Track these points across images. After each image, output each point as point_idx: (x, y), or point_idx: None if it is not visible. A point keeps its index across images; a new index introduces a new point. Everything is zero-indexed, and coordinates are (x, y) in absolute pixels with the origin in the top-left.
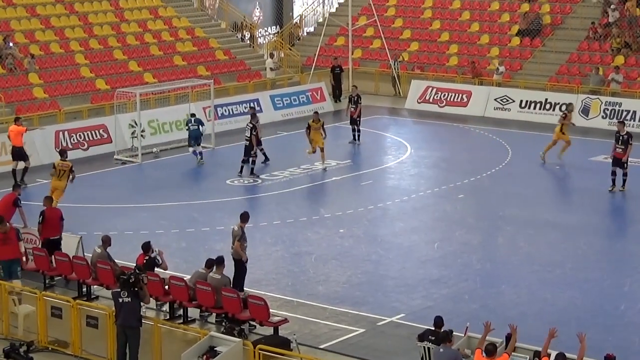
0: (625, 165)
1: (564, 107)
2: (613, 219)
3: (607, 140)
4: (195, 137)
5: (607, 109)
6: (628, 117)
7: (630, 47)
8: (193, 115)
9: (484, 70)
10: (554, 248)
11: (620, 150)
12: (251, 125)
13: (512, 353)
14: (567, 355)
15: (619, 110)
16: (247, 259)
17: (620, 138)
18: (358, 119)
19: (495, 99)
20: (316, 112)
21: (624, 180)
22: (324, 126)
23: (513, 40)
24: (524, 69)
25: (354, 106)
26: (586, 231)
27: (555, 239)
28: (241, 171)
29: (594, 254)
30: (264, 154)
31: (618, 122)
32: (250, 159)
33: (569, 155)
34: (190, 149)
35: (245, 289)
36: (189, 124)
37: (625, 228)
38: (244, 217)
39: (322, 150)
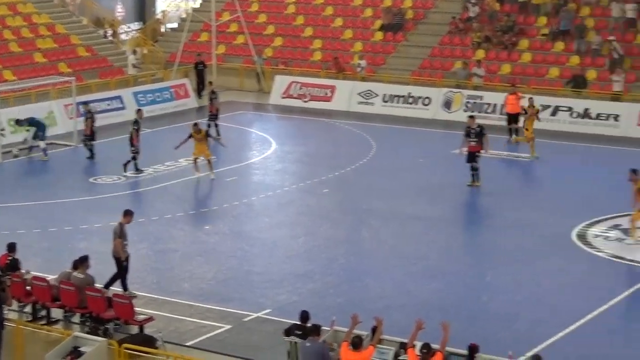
0: (477, 158)
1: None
2: (474, 211)
3: None
4: (37, 135)
5: (469, 102)
6: (489, 110)
7: (490, 41)
8: (19, 120)
9: (347, 65)
10: (418, 241)
11: (474, 143)
12: (133, 120)
13: (378, 345)
14: (432, 345)
15: (480, 103)
16: (127, 257)
17: (472, 132)
18: (214, 114)
19: (358, 94)
20: (195, 124)
21: (474, 175)
22: (212, 133)
23: (376, 34)
24: (387, 63)
25: (210, 102)
26: (449, 224)
27: (418, 231)
28: (126, 165)
29: (456, 246)
30: (90, 149)
31: (468, 116)
32: (132, 155)
33: (432, 148)
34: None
35: (110, 287)
36: (26, 128)
37: (486, 220)
38: (126, 214)
39: (209, 162)
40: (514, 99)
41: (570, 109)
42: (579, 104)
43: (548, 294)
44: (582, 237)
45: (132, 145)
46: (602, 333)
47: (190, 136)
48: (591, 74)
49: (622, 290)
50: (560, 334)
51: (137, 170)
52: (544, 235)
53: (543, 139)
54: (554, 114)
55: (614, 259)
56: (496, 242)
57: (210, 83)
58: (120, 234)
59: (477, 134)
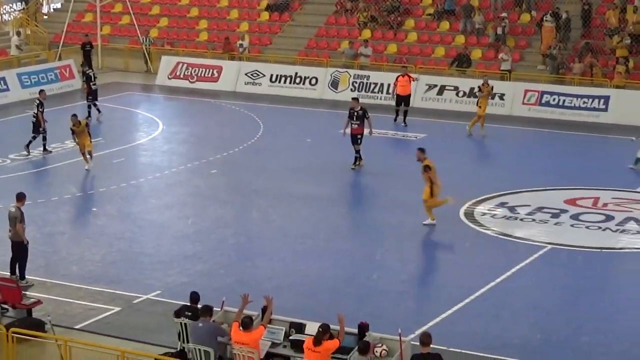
0: (360, 140)
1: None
2: (362, 191)
3: None
4: None
5: (356, 82)
6: (375, 90)
7: (376, 21)
8: None
9: (234, 45)
10: (306, 220)
11: (356, 125)
12: (37, 102)
13: (268, 325)
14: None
15: (367, 83)
16: (27, 241)
17: (355, 114)
18: (91, 95)
19: (245, 74)
20: (74, 115)
21: (356, 158)
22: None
23: (262, 15)
24: (274, 43)
25: (85, 84)
26: (337, 203)
27: (307, 211)
28: (28, 146)
29: (345, 225)
30: None
31: (352, 98)
32: (41, 136)
33: (319, 128)
34: None
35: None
36: None
37: (374, 200)
38: (20, 197)
39: (89, 153)
40: (404, 81)
41: (456, 88)
42: (465, 83)
43: (437, 272)
44: (469, 215)
45: (38, 126)
46: (490, 309)
47: (72, 130)
48: (476, 53)
49: (509, 267)
50: (449, 311)
51: (45, 150)
52: (433, 213)
53: (430, 118)
54: (440, 93)
55: (501, 236)
56: (384, 221)
57: (82, 65)
58: (21, 219)
59: (359, 117)
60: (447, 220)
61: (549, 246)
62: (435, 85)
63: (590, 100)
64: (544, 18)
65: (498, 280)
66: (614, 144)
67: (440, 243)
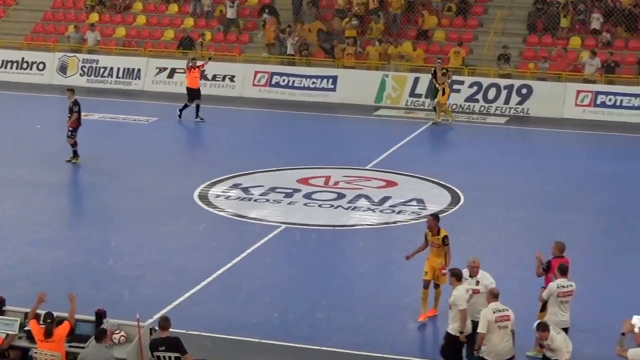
0: (71, 133)
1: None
2: (96, 176)
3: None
4: None
5: (85, 67)
6: (105, 74)
7: (103, 4)
8: None
9: None
10: (40, 209)
11: (68, 118)
12: None
13: (2, 317)
14: (58, 314)
15: (96, 67)
16: None
17: (69, 107)
18: None
19: None
20: None
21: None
22: None
23: None
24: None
25: None
26: (70, 190)
27: (40, 199)
28: None
29: (80, 212)
30: None
31: (67, 89)
32: None
33: (49, 114)
34: None
35: None
36: None
37: (108, 185)
38: None
39: None
40: (194, 73)
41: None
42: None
43: (173, 256)
44: (203, 197)
45: None
46: (227, 291)
47: None
48: (206, 36)
49: (244, 248)
50: (187, 295)
51: None
52: (167, 197)
53: (161, 101)
54: (170, 76)
55: (236, 218)
56: (119, 206)
57: None
58: None
59: (70, 110)
60: (182, 203)
61: (283, 226)
62: (166, 68)
63: (320, 80)
64: (264, 12)
65: (234, 261)
66: (344, 122)
67: (175, 227)
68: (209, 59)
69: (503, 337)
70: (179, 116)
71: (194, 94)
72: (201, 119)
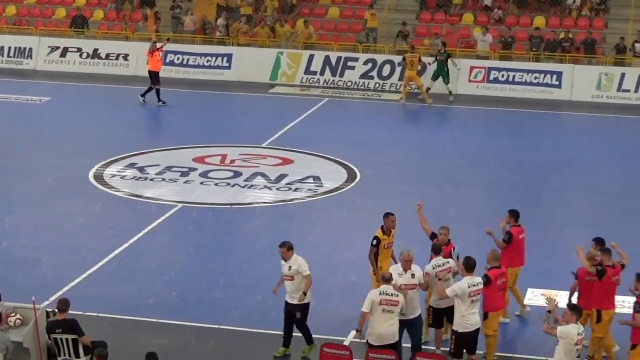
0: None
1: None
2: None
3: None
4: None
5: None
6: None
7: None
8: None
9: None
10: None
11: None
12: None
13: None
14: None
15: None
16: None
17: None
18: None
19: None
20: None
21: None
22: None
23: None
24: None
25: None
26: None
27: None
28: None
29: None
30: None
31: None
32: None
33: None
34: None
35: None
36: None
37: (2, 166)
38: None
39: None
40: (156, 56)
41: (79, 49)
42: (87, 45)
43: (69, 237)
44: (98, 177)
45: None
46: (124, 271)
47: None
48: (98, 14)
49: (141, 228)
50: (84, 275)
51: None
52: (62, 178)
53: (54, 80)
54: (63, 55)
55: (132, 197)
56: (13, 187)
57: None
58: None
59: None
60: (77, 184)
61: (180, 205)
62: (58, 47)
63: (214, 58)
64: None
65: (131, 241)
66: (239, 100)
67: (71, 208)
68: (168, 39)
69: (387, 320)
70: (143, 100)
71: (156, 77)
72: (163, 102)
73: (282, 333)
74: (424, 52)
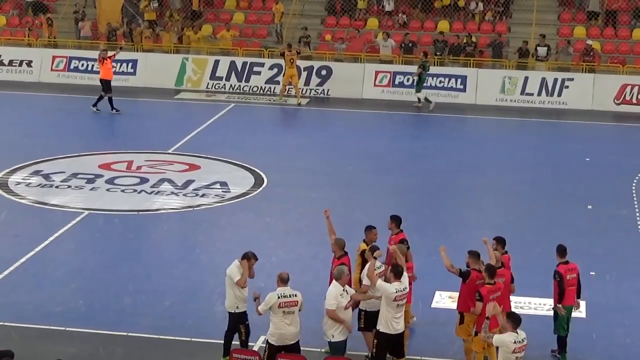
0: None
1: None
2: None
3: None
4: None
5: None
6: None
7: None
8: None
9: None
10: None
11: None
12: None
13: None
14: None
15: None
16: None
17: None
18: None
19: None
20: None
21: None
22: None
23: None
24: None
25: None
26: None
27: None
28: None
29: None
30: None
31: None
32: None
33: None
34: None
35: None
36: None
37: None
38: None
39: None
40: (107, 64)
41: None
42: None
43: None
44: (3, 185)
45: None
46: (30, 279)
47: None
48: (0, 20)
49: (47, 236)
50: None
51: None
52: None
53: None
54: None
55: (37, 205)
56: None
57: None
58: None
59: None
60: None
61: (86, 212)
62: None
63: (119, 64)
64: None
65: (37, 249)
66: (145, 106)
67: None
68: (120, 48)
69: (290, 321)
70: (96, 109)
71: (107, 85)
72: (117, 110)
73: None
74: (329, 56)
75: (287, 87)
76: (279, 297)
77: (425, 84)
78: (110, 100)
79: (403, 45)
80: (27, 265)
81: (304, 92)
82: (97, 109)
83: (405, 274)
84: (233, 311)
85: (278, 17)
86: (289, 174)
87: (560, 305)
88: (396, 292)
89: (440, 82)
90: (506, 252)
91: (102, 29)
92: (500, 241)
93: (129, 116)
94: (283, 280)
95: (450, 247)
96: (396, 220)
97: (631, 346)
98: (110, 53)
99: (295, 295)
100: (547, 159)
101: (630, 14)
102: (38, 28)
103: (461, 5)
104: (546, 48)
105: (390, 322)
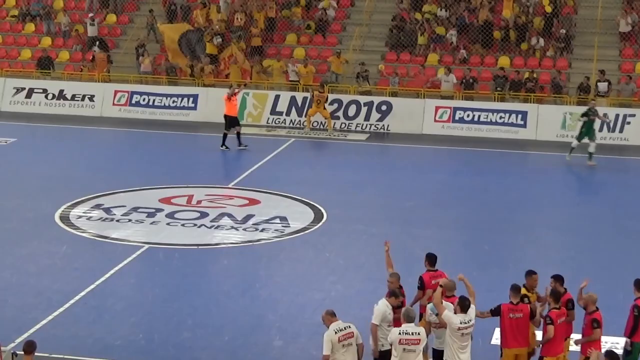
0: None
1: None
2: None
3: None
4: None
5: None
6: None
7: None
8: None
9: None
10: None
11: None
12: None
13: None
14: None
15: None
16: None
17: None
18: None
19: None
20: None
21: None
22: None
23: None
24: None
25: None
26: None
27: None
28: None
29: None
30: None
31: None
32: None
33: None
34: None
35: None
36: None
37: None
38: None
39: None
40: (233, 101)
41: (45, 90)
42: (53, 86)
43: (33, 278)
44: (64, 218)
45: None
46: (90, 312)
47: None
48: (64, 55)
49: (107, 269)
50: (50, 317)
51: None
52: (27, 219)
53: (19, 121)
54: (28, 96)
55: (98, 239)
56: None
57: None
58: None
59: None
60: (43, 225)
61: (146, 246)
62: (24, 88)
63: (180, 99)
64: (93, 45)
65: (97, 282)
66: (205, 141)
67: (36, 249)
68: (244, 85)
69: (351, 354)
70: (226, 147)
71: (233, 121)
72: (244, 146)
73: None
74: (389, 92)
75: (311, 119)
76: (335, 332)
77: (484, 119)
78: (238, 135)
79: (464, 81)
80: (87, 299)
81: (363, 127)
82: (226, 147)
83: (472, 307)
84: None
85: (335, 66)
86: (348, 209)
87: (628, 340)
88: (460, 323)
89: (501, 117)
90: (566, 290)
91: (172, 60)
92: (558, 279)
93: (190, 150)
94: (332, 315)
95: (508, 283)
96: (429, 258)
97: None
98: (236, 89)
99: (349, 327)
100: (608, 195)
101: None
102: (94, 62)
103: (524, 48)
104: (606, 83)
105: (456, 353)
